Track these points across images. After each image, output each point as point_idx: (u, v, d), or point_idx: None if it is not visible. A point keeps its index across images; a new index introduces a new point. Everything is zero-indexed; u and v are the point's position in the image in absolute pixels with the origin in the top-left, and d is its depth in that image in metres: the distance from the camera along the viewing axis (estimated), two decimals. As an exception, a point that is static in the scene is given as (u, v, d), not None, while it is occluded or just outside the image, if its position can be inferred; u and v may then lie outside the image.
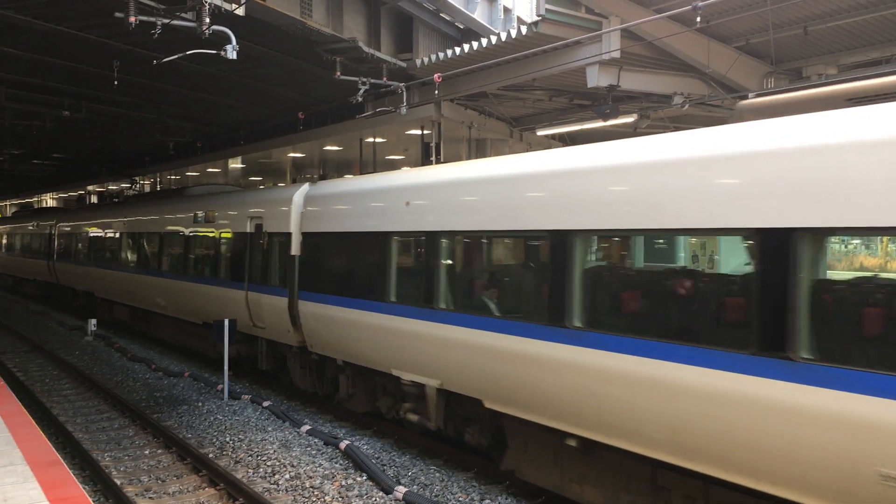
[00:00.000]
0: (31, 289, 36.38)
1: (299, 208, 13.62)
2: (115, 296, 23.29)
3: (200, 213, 17.60)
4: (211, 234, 17.05)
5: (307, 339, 13.13)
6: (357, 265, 11.66)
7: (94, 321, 22.92)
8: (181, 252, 18.57)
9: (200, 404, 14.07)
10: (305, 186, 13.92)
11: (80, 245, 27.10)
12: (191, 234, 18.06)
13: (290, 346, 13.99)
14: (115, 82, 16.21)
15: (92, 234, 25.74)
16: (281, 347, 14.67)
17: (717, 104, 15.65)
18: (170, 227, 19.40)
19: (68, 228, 29.07)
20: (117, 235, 23.14)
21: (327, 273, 12.46)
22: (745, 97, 14.13)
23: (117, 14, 10.87)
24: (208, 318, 16.51)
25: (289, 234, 13.67)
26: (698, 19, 9.61)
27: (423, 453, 11.19)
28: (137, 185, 31.48)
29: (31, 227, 35.33)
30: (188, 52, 12.22)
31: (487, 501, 9.22)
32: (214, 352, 16.52)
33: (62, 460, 7.61)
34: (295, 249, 13.43)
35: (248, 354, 16.03)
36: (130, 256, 21.87)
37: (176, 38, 12.57)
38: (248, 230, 15.30)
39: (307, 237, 13.17)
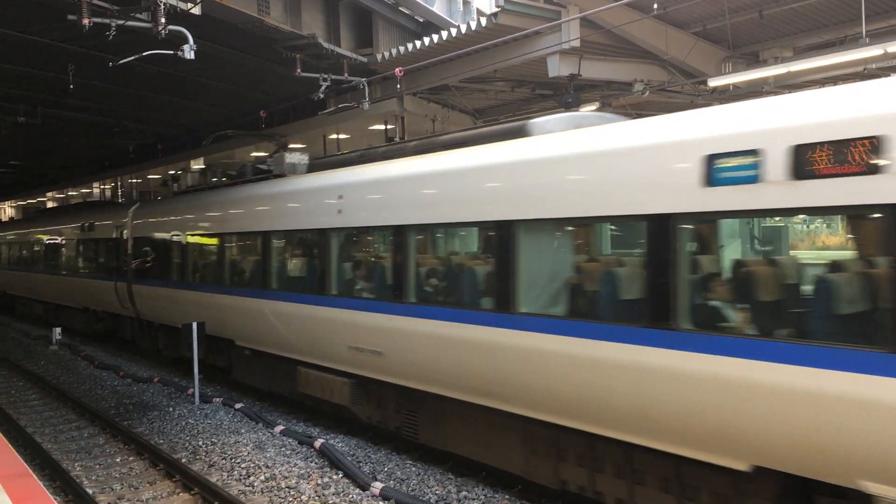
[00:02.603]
0: (79, 322, 24.02)
1: None
2: (306, 349, 12.15)
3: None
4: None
5: None
6: None
7: (58, 329, 22.48)
8: (582, 265, 8.53)
9: (171, 409, 13.93)
10: None
11: (201, 256, 16.05)
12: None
13: None
14: (71, 86, 15.94)
15: (239, 236, 14.52)
16: None
17: (676, 90, 15.82)
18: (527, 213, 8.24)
19: (168, 229, 17.32)
20: (326, 237, 11.48)
21: None
22: (705, 82, 14.33)
23: (70, 17, 10.67)
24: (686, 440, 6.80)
25: None
26: (655, 6, 9.71)
27: (398, 448, 11.19)
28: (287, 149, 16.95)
29: (78, 231, 23.72)
30: (145, 54, 12.05)
31: (464, 493, 9.25)
32: None
33: (32, 472, 7.49)
34: None
35: None
36: (369, 277, 11.10)
37: (132, 40, 12.38)
38: None
39: None
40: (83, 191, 42.82)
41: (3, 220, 52.50)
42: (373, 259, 11.30)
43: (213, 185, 16.00)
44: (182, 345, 15.69)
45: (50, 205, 48.56)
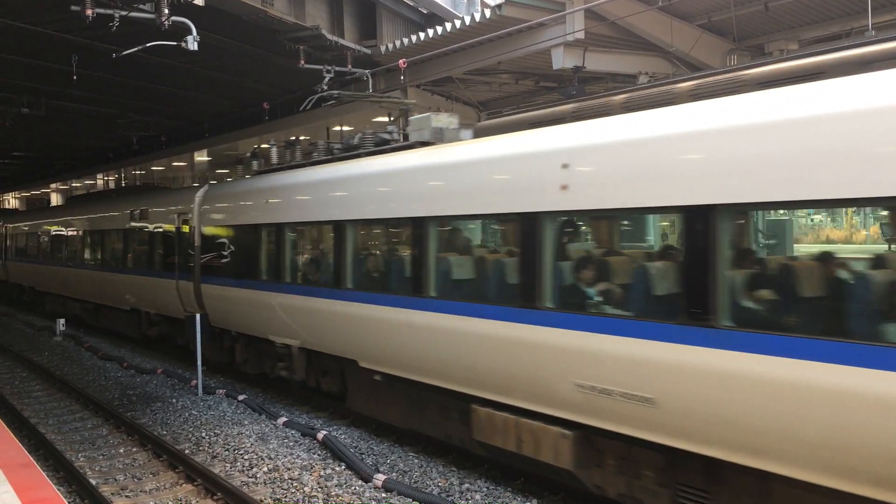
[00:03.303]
0: (125, 324, 20.40)
1: None
2: (492, 381, 8.65)
3: None
4: None
5: None
6: None
7: (62, 321, 22.49)
8: None
9: (174, 400, 13.95)
10: None
11: (305, 251, 12.77)
12: None
13: None
14: (75, 77, 15.95)
15: (368, 225, 11.17)
16: None
17: (681, 82, 15.75)
18: None
19: (253, 216, 13.69)
20: None
21: None
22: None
23: (73, 7, 10.67)
24: None
25: None
26: (660, -2, 9.66)
27: (401, 440, 11.19)
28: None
29: (126, 220, 19.88)
30: (148, 45, 12.04)
31: (467, 485, 9.25)
32: None
33: (35, 462, 7.50)
34: None
35: None
36: None
37: (135, 31, 12.37)
38: None
39: None
40: (87, 182, 42.85)
41: (29, 207, 50.25)
42: (635, 257, 7.88)
43: (315, 160, 12.80)
44: (268, 361, 13.47)
45: (54, 196, 48.52)
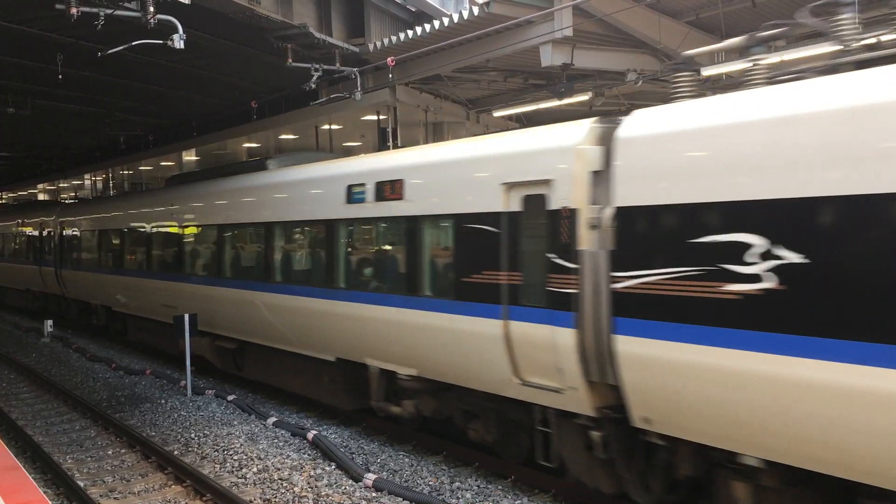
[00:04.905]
0: (305, 380, 12.65)
1: None
2: None
3: None
4: None
5: None
6: None
7: (50, 322, 22.38)
8: None
9: (163, 401, 13.87)
10: None
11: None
12: None
13: None
14: (60, 76, 15.81)
15: None
16: None
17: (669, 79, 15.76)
18: None
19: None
20: None
21: None
22: (698, 72, 14.26)
23: (58, 5, 10.56)
24: None
25: None
26: (648, -6, 9.64)
27: (391, 439, 11.16)
28: None
29: (331, 203, 11.26)
30: (134, 44, 11.95)
31: (458, 483, 9.23)
32: None
33: (21, 465, 7.43)
34: None
35: None
36: None
37: (121, 30, 12.26)
38: None
39: None
40: (74, 182, 42.55)
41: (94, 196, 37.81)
42: None
43: None
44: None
45: (42, 197, 47.96)
